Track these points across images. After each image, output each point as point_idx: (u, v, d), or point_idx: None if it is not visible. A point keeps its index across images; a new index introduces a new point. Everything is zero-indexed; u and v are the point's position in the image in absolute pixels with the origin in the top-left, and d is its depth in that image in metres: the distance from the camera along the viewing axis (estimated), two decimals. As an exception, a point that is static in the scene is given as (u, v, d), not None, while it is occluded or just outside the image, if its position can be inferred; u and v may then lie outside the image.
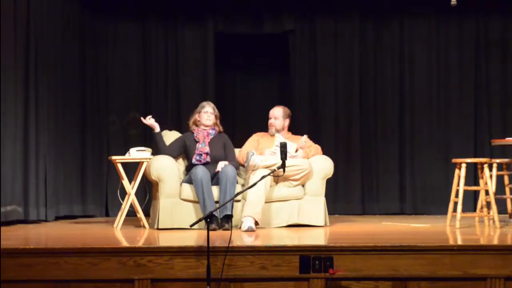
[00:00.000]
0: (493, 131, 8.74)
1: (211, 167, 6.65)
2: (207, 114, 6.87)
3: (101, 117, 8.71)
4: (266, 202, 6.54)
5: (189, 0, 8.84)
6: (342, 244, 4.88)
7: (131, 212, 7.08)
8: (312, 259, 4.78)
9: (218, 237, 5.55)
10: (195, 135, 6.85)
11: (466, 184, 6.66)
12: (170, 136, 7.04)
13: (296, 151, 6.84)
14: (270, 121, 7.06)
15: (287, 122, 7.08)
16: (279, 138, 6.91)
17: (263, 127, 7.21)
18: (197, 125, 6.91)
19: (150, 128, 8.81)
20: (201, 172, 6.45)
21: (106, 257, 4.78)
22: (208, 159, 6.72)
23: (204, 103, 6.96)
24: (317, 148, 7.04)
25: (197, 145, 6.77)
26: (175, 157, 6.82)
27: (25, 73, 7.36)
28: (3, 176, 6.87)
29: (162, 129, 7.05)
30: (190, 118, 6.98)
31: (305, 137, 6.91)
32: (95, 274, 4.76)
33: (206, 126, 6.87)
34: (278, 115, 7.04)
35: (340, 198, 8.84)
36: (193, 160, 6.71)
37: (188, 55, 8.89)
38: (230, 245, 4.79)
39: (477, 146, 8.85)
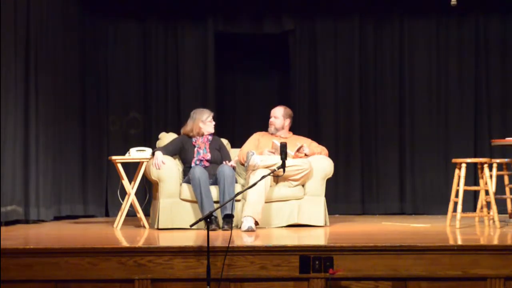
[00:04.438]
0: (493, 131, 8.74)
1: (209, 168, 6.65)
2: (211, 123, 6.88)
3: (101, 117, 8.71)
4: (266, 202, 6.54)
5: (189, 0, 8.84)
6: (342, 244, 4.88)
7: (131, 212, 7.08)
8: (312, 259, 4.78)
9: (218, 237, 5.56)
10: (194, 140, 6.85)
11: (466, 184, 6.66)
12: (167, 139, 7.04)
13: (298, 150, 6.83)
14: (270, 119, 7.07)
15: (287, 122, 7.08)
16: (276, 141, 6.93)
17: (263, 127, 7.21)
18: (199, 134, 6.85)
19: (150, 128, 8.87)
20: (199, 172, 6.45)
21: (106, 257, 4.78)
22: (207, 163, 6.74)
23: (205, 112, 6.91)
24: (323, 148, 7.04)
25: (197, 150, 6.77)
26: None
27: (25, 73, 7.35)
28: (3, 176, 6.87)
29: (160, 131, 7.19)
30: (186, 125, 6.94)
31: (305, 147, 6.89)
32: (95, 274, 4.77)
33: (210, 133, 6.88)
34: (278, 114, 7.05)
35: (340, 198, 8.83)
36: (192, 164, 6.71)
37: (188, 55, 8.89)
38: (230, 245, 4.79)
39: (477, 146, 8.84)
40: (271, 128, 7.06)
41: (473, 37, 8.90)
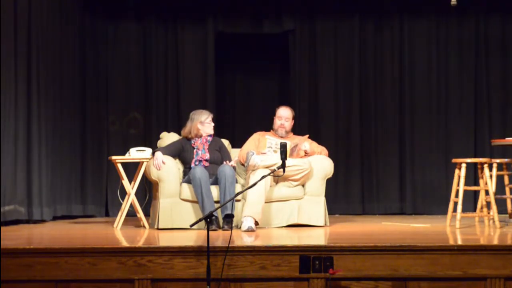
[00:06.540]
0: (493, 131, 8.74)
1: (209, 168, 6.65)
2: (210, 124, 6.87)
3: (101, 117, 8.71)
4: (266, 202, 6.53)
5: (189, 0, 8.84)
6: (342, 244, 4.88)
7: (131, 212, 7.08)
8: (312, 259, 4.78)
9: (218, 237, 5.56)
10: (192, 142, 6.84)
11: (466, 184, 6.66)
12: (168, 139, 7.04)
13: (294, 147, 6.83)
14: (281, 121, 7.02)
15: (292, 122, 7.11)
16: (271, 140, 6.91)
17: (263, 127, 7.20)
18: (198, 136, 6.84)
19: (150, 128, 8.87)
20: (199, 172, 6.44)
21: (106, 257, 4.78)
22: (207, 163, 6.74)
23: (204, 113, 6.89)
24: (323, 149, 7.03)
25: (196, 151, 6.77)
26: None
27: (26, 73, 7.35)
28: (3, 176, 6.87)
29: (160, 131, 7.21)
30: (185, 126, 6.92)
31: (307, 143, 6.89)
32: (95, 274, 4.77)
33: (209, 134, 6.88)
34: (289, 117, 7.04)
35: (340, 198, 8.84)
36: (192, 165, 6.71)
37: (188, 55, 8.90)
38: (230, 245, 4.79)
39: (477, 146, 8.84)
40: (282, 131, 7.02)
41: (473, 37, 8.91)
